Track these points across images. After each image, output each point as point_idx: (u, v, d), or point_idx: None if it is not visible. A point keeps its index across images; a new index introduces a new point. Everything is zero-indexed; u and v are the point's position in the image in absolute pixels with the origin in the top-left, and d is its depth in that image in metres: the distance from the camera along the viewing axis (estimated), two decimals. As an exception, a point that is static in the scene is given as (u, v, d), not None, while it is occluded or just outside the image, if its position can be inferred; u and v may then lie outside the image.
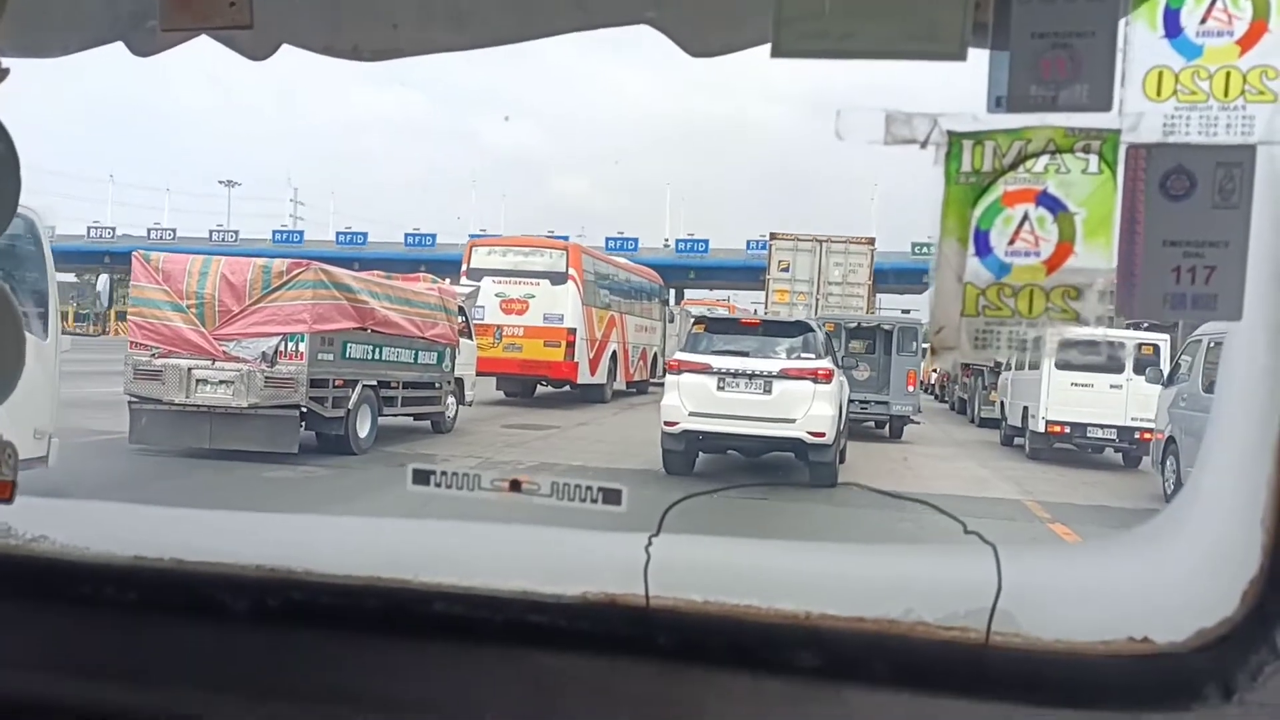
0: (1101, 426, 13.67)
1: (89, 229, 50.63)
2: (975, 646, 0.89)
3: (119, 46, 1.54)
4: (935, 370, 30.67)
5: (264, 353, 9.93)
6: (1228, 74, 0.85)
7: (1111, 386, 13.63)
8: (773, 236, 22.75)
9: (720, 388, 9.95)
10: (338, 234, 54.67)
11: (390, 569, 0.99)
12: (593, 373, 20.45)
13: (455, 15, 1.51)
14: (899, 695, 0.92)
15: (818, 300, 21.43)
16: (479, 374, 15.58)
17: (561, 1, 1.54)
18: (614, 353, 21.78)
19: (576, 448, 12.47)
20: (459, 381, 13.91)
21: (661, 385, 16.83)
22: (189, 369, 9.86)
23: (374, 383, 11.24)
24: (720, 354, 10.22)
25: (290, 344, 10.05)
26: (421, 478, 1.01)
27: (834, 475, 9.66)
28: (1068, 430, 13.72)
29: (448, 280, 15.93)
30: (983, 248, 0.87)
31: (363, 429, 11.09)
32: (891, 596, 0.93)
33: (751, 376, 9.93)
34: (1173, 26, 0.85)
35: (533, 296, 19.39)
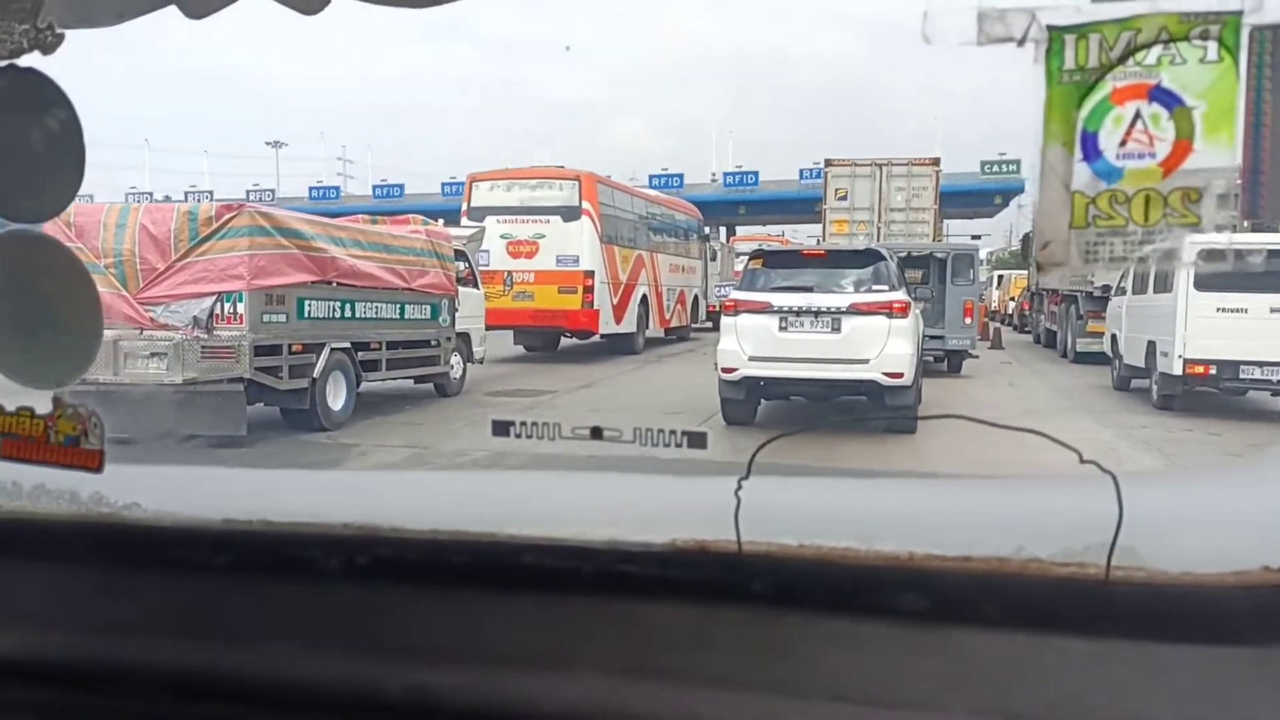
0: (1261, 365, 10.47)
1: (125, 195, 50.57)
2: (1094, 582, 0.85)
3: (171, 10, 1.55)
4: (1013, 298, 28.67)
5: (195, 317, 8.38)
6: (1366, -61, 0.76)
7: (1272, 311, 10.35)
8: (828, 163, 20.93)
9: (783, 328, 9.08)
10: (374, 187, 54.10)
11: (477, 523, 0.99)
12: (618, 321, 18.36)
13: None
14: (1013, 637, 0.88)
15: (879, 229, 19.56)
16: (488, 328, 14.09)
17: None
18: (644, 297, 19.68)
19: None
20: (464, 337, 12.46)
21: (706, 331, 15.93)
22: (115, 341, 8.13)
23: (346, 345, 9.67)
24: (781, 290, 9.31)
25: (228, 305, 8.49)
26: (501, 429, 0.99)
27: (914, 421, 8.96)
28: (1214, 371, 10.66)
29: (440, 221, 13.66)
30: (1091, 152, 0.81)
31: (335, 400, 9.63)
32: (1001, 533, 0.88)
33: (818, 314, 9.01)
34: (1301, -112, 0.77)
35: (543, 236, 17.14)
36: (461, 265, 12.87)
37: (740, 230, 42.63)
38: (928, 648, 0.90)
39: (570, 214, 17.26)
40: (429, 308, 11.45)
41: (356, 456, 8.55)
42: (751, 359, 9.07)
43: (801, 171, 41.83)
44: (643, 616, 0.96)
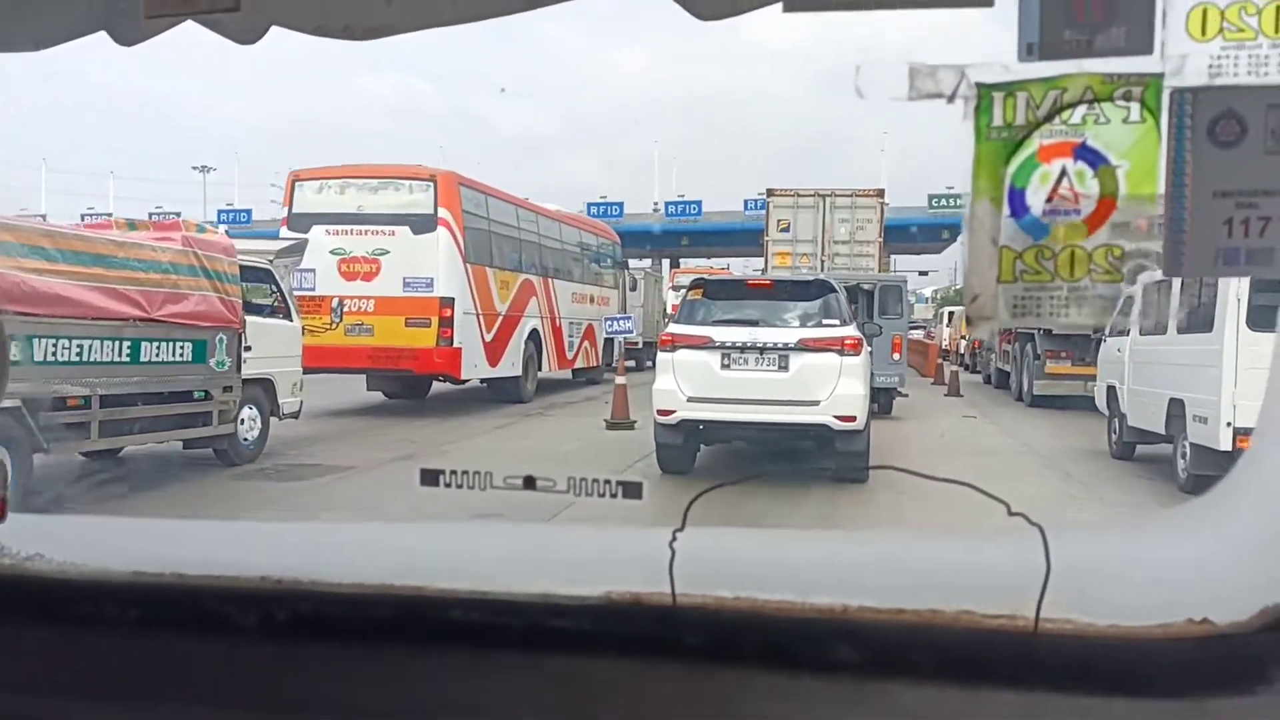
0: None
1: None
2: (1024, 634, 0.86)
3: (102, 36, 1.52)
4: (964, 336, 26.58)
5: None
6: (1278, 8, 0.80)
7: None
8: (770, 193, 19.97)
9: (725, 365, 8.35)
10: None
11: (403, 575, 0.97)
12: (494, 362, 14.80)
13: (449, -14, 1.47)
14: (945, 689, 0.89)
15: (822, 262, 18.62)
16: (309, 370, 10.87)
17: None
18: (534, 332, 16.30)
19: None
20: (262, 384, 9.47)
21: (628, 370, 13.33)
22: None
23: (15, 403, 6.62)
24: (723, 324, 8.60)
25: None
26: (430, 478, 0.98)
27: (865, 470, 8.23)
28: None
29: (224, 228, 11.93)
30: (1018, 208, 0.83)
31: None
32: (933, 585, 0.90)
33: (763, 350, 8.30)
34: (1216, -41, 0.81)
35: (386, 253, 13.54)
36: (265, 289, 9.94)
37: (685, 262, 42.21)
38: (864, 700, 0.91)
39: (423, 224, 13.56)
40: (189, 346, 8.41)
41: (277, 502, 7.83)
42: (691, 400, 8.31)
43: (746, 202, 41.25)
44: (576, 671, 0.95)
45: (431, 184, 13.85)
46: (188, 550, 1.08)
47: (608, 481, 0.96)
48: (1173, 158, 0.81)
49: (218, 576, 1.01)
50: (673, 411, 8.37)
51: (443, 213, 13.76)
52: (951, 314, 34.11)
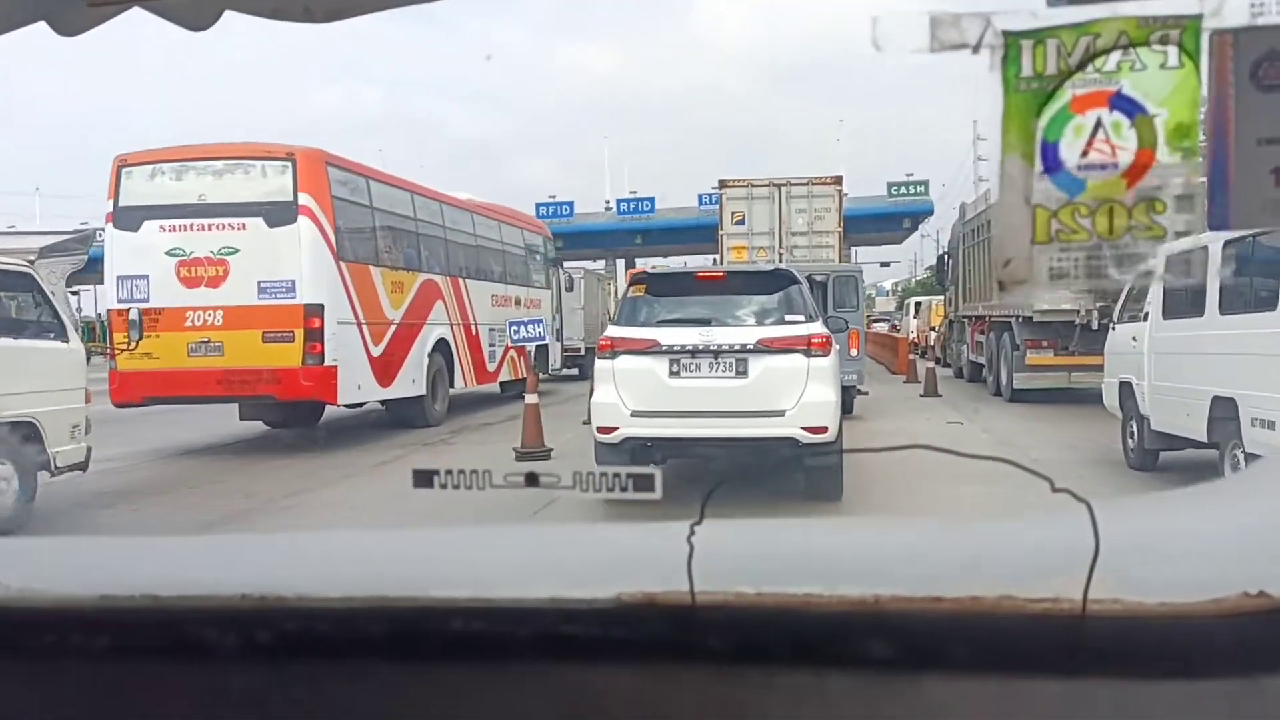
0: None
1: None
2: (1071, 618, 0.81)
3: (42, 27, 1.43)
4: (934, 328, 25.43)
5: None
6: (1320, -59, 0.76)
7: None
8: (722, 185, 19.14)
9: (674, 372, 7.30)
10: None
11: (397, 585, 0.90)
12: (386, 381, 12.37)
13: (413, -35, 1.40)
14: (986, 681, 0.84)
15: (780, 255, 17.86)
16: (146, 401, 10.22)
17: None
18: (441, 342, 13.97)
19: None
20: (20, 430, 7.09)
21: (565, 380, 11.70)
22: None
23: None
24: (671, 324, 7.57)
25: None
26: (424, 479, 0.91)
27: (839, 484, 7.34)
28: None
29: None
30: (1052, 163, 0.78)
31: None
32: (972, 571, 0.84)
33: (718, 354, 7.26)
34: (1252, -110, 0.76)
35: (235, 251, 10.97)
36: (21, 299, 7.69)
37: (640, 262, 41.52)
38: (899, 697, 0.85)
39: (279, 214, 11.02)
40: None
41: (257, 516, 7.41)
42: (635, 415, 7.24)
43: (700, 197, 39.75)
44: (588, 681, 0.89)
45: (289, 164, 11.12)
46: (161, 569, 1.00)
47: (616, 475, 0.90)
48: (1215, 104, 0.76)
49: (194, 596, 0.94)
50: (615, 429, 7.28)
51: (304, 199, 11.00)
52: (918, 305, 33.15)
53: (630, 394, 7.32)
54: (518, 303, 17.39)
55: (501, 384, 16.93)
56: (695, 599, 0.86)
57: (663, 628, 0.88)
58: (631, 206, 45.65)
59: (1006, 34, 0.77)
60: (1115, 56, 0.77)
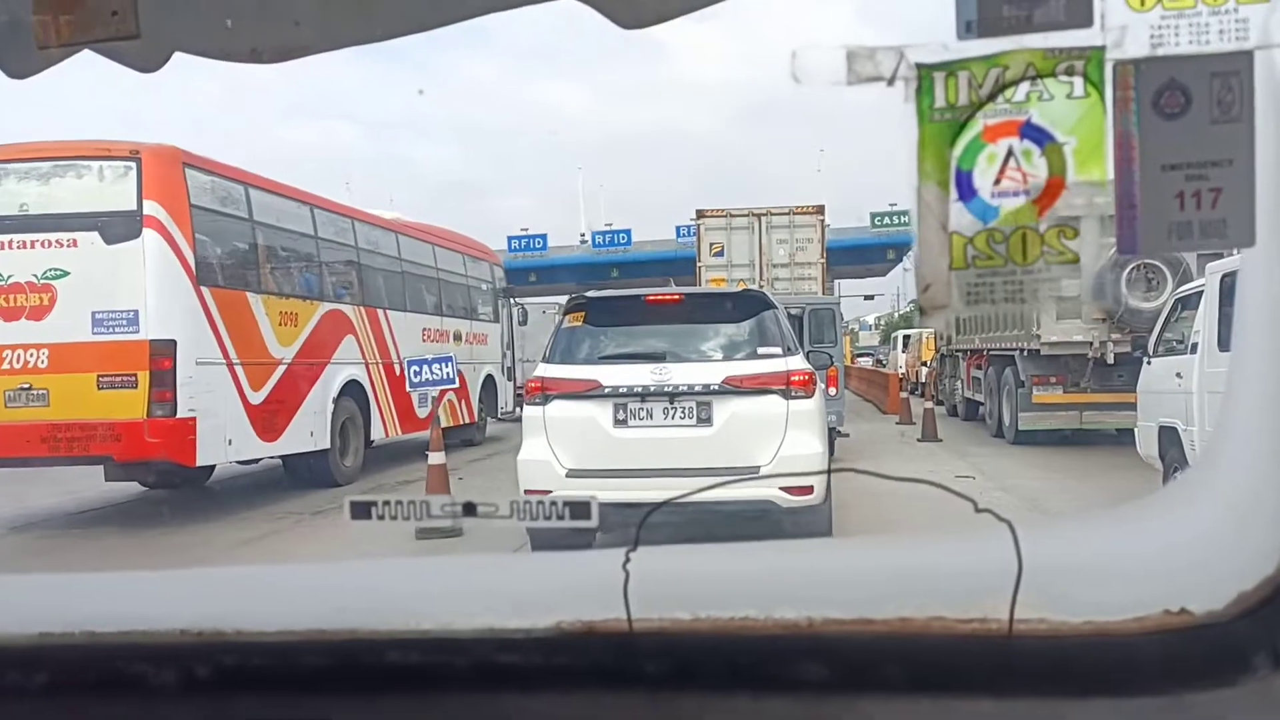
0: None
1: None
2: (998, 637, 0.83)
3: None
4: (925, 362, 22.92)
5: None
6: (1215, -26, 0.79)
7: None
8: (700, 215, 18.23)
9: (620, 421, 5.92)
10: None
11: (334, 618, 0.90)
12: (270, 433, 9.93)
13: (357, 4, 1.43)
14: (918, 700, 0.85)
15: (761, 287, 16.41)
16: None
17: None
18: (351, 384, 11.59)
19: None
20: None
21: (514, 422, 8.83)
22: None
23: None
24: (616, 360, 6.16)
25: None
26: (361, 510, 0.92)
27: (828, 528, 6.10)
28: None
29: None
30: (966, 191, 0.81)
31: None
32: (901, 592, 0.86)
33: (674, 396, 5.89)
34: (1150, -72, 0.80)
35: (64, 274, 8.66)
36: None
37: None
38: (832, 718, 0.86)
39: (119, 227, 8.71)
40: None
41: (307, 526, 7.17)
42: (572, 474, 5.86)
43: (678, 229, 38.56)
44: (528, 709, 0.89)
45: (132, 164, 8.75)
46: (99, 605, 1.00)
47: (554, 503, 0.91)
48: (1120, 132, 0.79)
49: (132, 632, 0.94)
50: (546, 492, 5.06)
51: (151, 208, 8.67)
52: (907, 338, 30.23)
53: (565, 449, 5.94)
54: (458, 338, 15.14)
55: (442, 430, 14.68)
56: (633, 626, 0.87)
57: (602, 655, 0.89)
58: (607, 239, 44.29)
59: (919, 66, 0.80)
60: (1024, 87, 0.80)
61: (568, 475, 5.88)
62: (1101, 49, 0.79)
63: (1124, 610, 0.83)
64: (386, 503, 0.92)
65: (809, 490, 5.69)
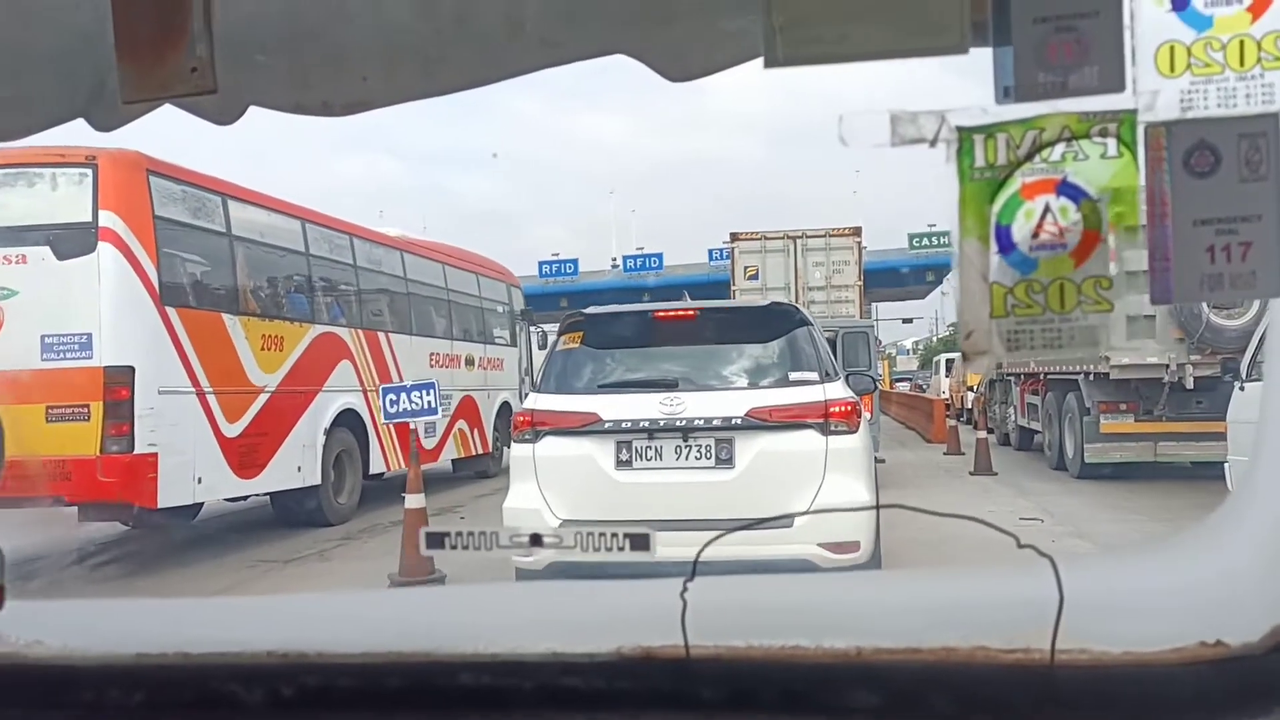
0: None
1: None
2: (1041, 667, 0.87)
3: (80, 124, 1.54)
4: (971, 388, 21.59)
5: None
6: (1241, 43, 0.84)
7: None
8: (734, 237, 17.76)
9: (624, 462, 5.04)
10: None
11: (411, 642, 0.97)
12: (249, 469, 8.93)
13: (423, 62, 1.51)
14: None
15: None
16: None
17: (530, 40, 1.53)
18: (347, 413, 10.53)
19: None
20: None
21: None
22: None
23: None
24: (619, 389, 5.28)
25: None
26: (436, 541, 0.98)
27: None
28: None
29: None
30: (1005, 244, 0.86)
31: None
32: (947, 622, 0.90)
33: (689, 432, 4.98)
34: (1179, 0, 0.85)
35: (11, 294, 7.72)
36: None
37: None
38: None
39: (72, 241, 7.82)
40: None
41: (277, 576, 7.21)
42: (567, 523, 4.82)
43: (710, 252, 37.56)
44: None
45: (88, 171, 7.83)
46: (191, 629, 1.08)
47: (614, 535, 0.97)
48: (1152, 189, 0.84)
49: (223, 654, 1.01)
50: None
51: (108, 219, 7.77)
52: (949, 362, 28.37)
53: (559, 495, 5.04)
54: (470, 363, 14.14)
55: (453, 462, 13.45)
56: (690, 652, 0.93)
57: (660, 679, 0.94)
58: (639, 263, 43.55)
59: (960, 129, 0.86)
60: (1060, 148, 0.85)
61: (561, 525, 4.26)
62: (1134, 112, 0.84)
63: (1162, 642, 0.87)
64: (459, 534, 0.98)
65: (854, 548, 4.77)
